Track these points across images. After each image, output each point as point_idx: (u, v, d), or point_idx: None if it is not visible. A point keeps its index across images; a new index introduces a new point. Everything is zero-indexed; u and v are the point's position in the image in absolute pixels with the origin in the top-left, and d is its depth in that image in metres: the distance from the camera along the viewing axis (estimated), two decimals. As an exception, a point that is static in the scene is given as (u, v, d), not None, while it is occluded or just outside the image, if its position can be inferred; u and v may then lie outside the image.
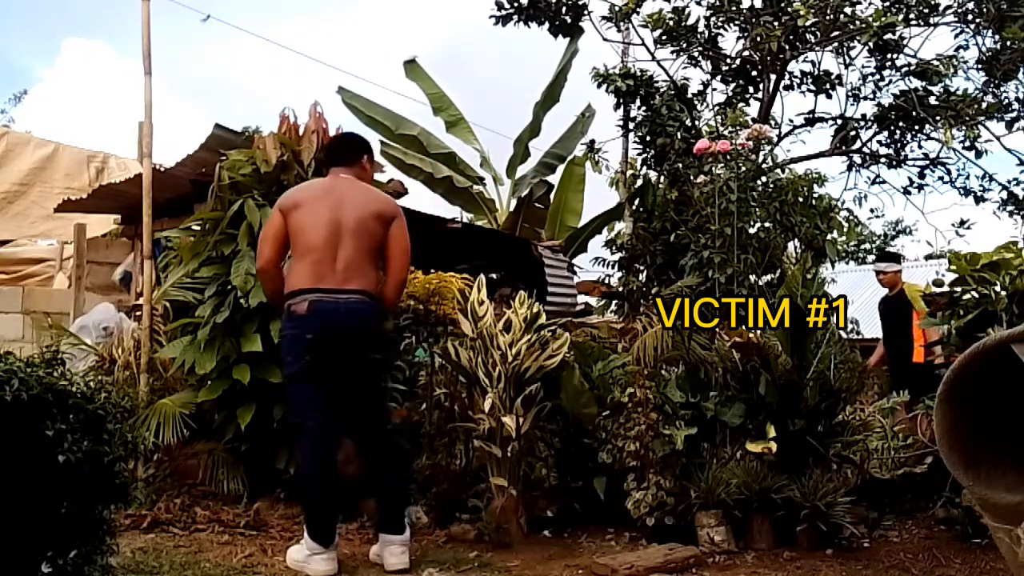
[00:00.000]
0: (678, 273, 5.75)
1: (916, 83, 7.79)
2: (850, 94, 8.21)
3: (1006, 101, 7.89)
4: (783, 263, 5.58)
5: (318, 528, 3.49)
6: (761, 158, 5.66)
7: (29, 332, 7.59)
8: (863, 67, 8.07)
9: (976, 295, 4.08)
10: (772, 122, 7.99)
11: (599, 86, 7.58)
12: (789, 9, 7.27)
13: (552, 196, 11.89)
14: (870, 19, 7.16)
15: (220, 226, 4.56)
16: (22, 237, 9.48)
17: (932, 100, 7.72)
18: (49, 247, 9.66)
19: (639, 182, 7.50)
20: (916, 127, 8.05)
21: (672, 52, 7.82)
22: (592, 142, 8.37)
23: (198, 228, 4.89)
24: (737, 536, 3.79)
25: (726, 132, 7.08)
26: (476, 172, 12.43)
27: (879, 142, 8.37)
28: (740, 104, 8.05)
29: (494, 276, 8.51)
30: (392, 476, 3.70)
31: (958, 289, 4.18)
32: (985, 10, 7.31)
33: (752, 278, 5.21)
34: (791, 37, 7.52)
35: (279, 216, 3.69)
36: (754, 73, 8.10)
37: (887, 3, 7.40)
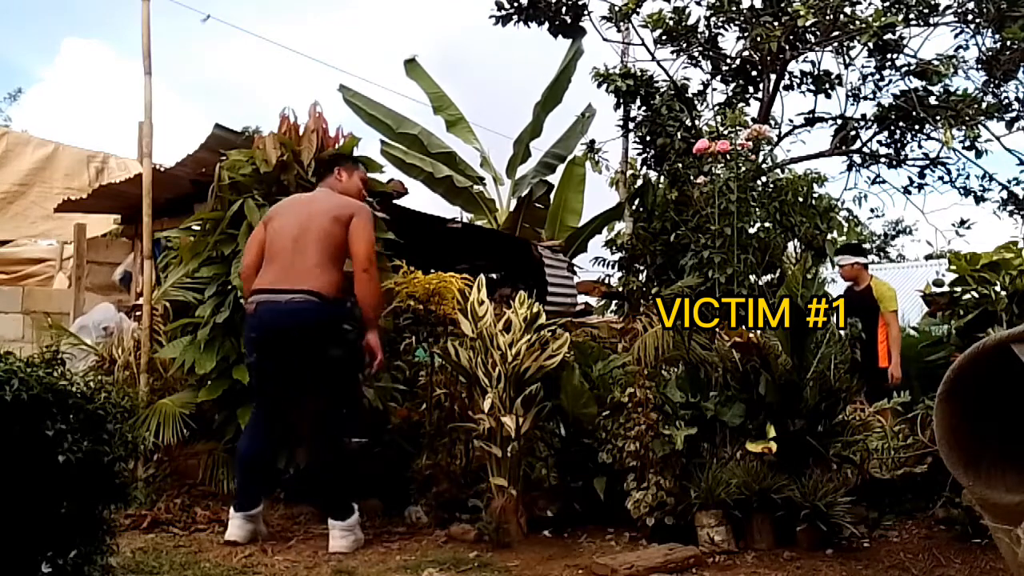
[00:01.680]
0: (678, 273, 5.75)
1: (916, 83, 7.81)
2: (850, 94, 8.23)
3: (1006, 101, 7.91)
4: (783, 263, 5.58)
5: (238, 497, 3.90)
6: (761, 158, 5.65)
7: (29, 332, 7.59)
8: (863, 67, 8.09)
9: (976, 295, 4.08)
10: (772, 122, 8.01)
11: (599, 86, 7.59)
12: (789, 9, 7.27)
13: (552, 196, 11.89)
14: (870, 19, 7.17)
15: (220, 226, 4.56)
16: (22, 237, 9.47)
17: (932, 100, 7.74)
18: (49, 247, 9.65)
19: (639, 182, 7.51)
20: (916, 127, 8.07)
21: (672, 52, 7.84)
22: (592, 142, 8.39)
23: (198, 228, 4.89)
24: (737, 536, 3.79)
25: (726, 132, 7.08)
26: (476, 172, 12.44)
27: (879, 142, 8.38)
28: (740, 104, 8.07)
29: (494, 276, 8.51)
30: (333, 467, 3.90)
31: (958, 289, 4.18)
32: (985, 10, 7.32)
33: (752, 278, 5.21)
34: (791, 37, 7.52)
35: (262, 226, 4.06)
36: (754, 73, 8.11)
37: (887, 3, 7.41)
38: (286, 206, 4.10)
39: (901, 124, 8.08)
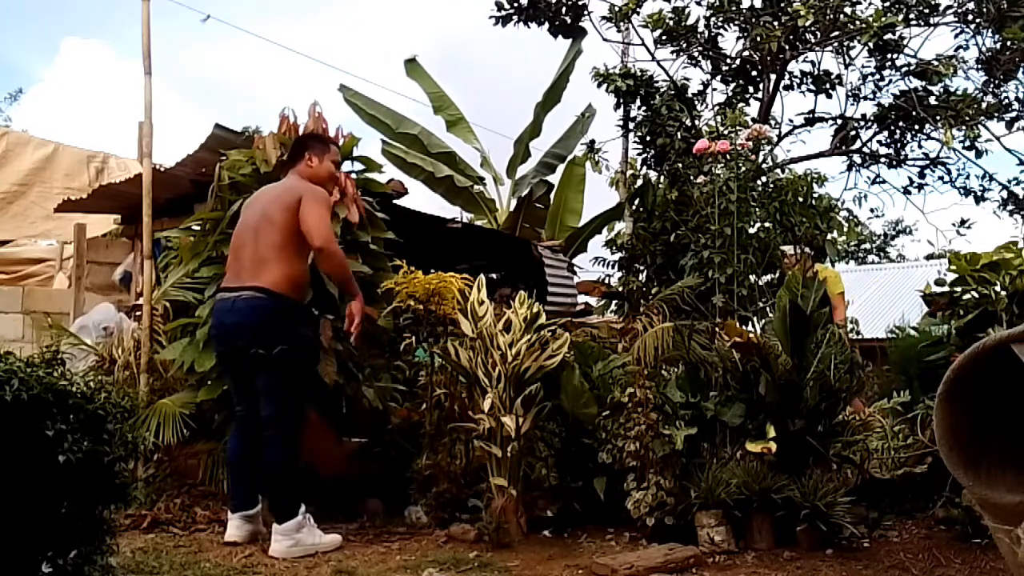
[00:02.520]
0: (678, 273, 5.75)
1: (916, 83, 7.80)
2: (850, 94, 8.22)
3: (1006, 101, 7.90)
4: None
5: (232, 498, 3.94)
6: (761, 158, 5.65)
7: (29, 332, 7.59)
8: (863, 67, 8.08)
9: (976, 295, 4.08)
10: (772, 122, 8.00)
11: (599, 86, 7.59)
12: (789, 9, 7.27)
13: (552, 196, 11.89)
14: (870, 19, 7.17)
15: (220, 226, 4.56)
16: (22, 237, 9.46)
17: (932, 100, 7.73)
18: (49, 247, 9.64)
19: (639, 182, 7.50)
20: (916, 127, 8.06)
21: (672, 52, 7.83)
22: (592, 142, 8.38)
23: (198, 228, 4.89)
24: (737, 536, 3.79)
25: (726, 132, 7.08)
26: (476, 172, 12.44)
27: (879, 142, 8.38)
28: (740, 104, 8.06)
29: (494, 276, 8.51)
30: (274, 467, 3.79)
31: (958, 289, 4.18)
32: (985, 10, 7.32)
33: (752, 278, 5.20)
34: (791, 37, 7.52)
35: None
36: (754, 73, 8.10)
37: (887, 3, 7.41)
38: (251, 199, 4.08)
39: (901, 124, 8.08)
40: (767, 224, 5.49)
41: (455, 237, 7.94)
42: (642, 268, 6.59)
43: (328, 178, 4.12)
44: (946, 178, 8.44)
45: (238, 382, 3.95)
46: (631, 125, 7.76)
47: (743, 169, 5.28)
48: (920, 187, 8.56)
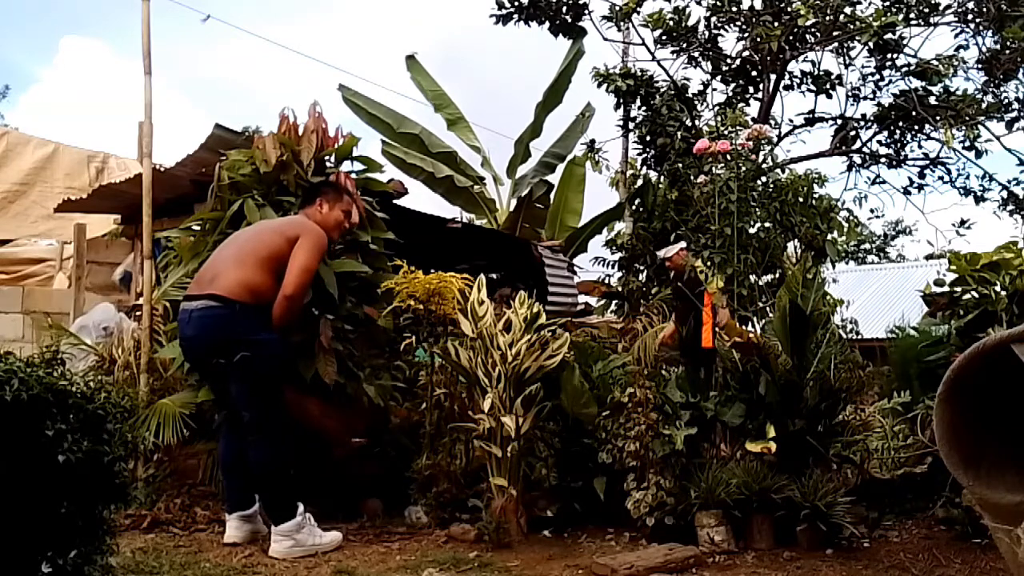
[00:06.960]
0: (678, 273, 5.74)
1: (916, 83, 7.81)
2: (850, 94, 8.23)
3: (1006, 101, 7.91)
4: (783, 263, 5.57)
5: (227, 499, 3.97)
6: (761, 158, 5.65)
7: (29, 332, 7.59)
8: (863, 67, 8.09)
9: (976, 295, 4.08)
10: (772, 122, 8.00)
11: (599, 86, 7.60)
12: (789, 9, 7.28)
13: (552, 196, 11.89)
14: (870, 19, 7.17)
15: (220, 226, 4.56)
16: (22, 237, 9.47)
17: (932, 100, 7.74)
18: (49, 247, 9.65)
19: (639, 182, 7.52)
20: (916, 127, 8.07)
21: (672, 52, 7.84)
22: (592, 142, 8.39)
23: (198, 228, 4.88)
24: (737, 536, 3.79)
25: (726, 132, 7.08)
26: (476, 172, 12.44)
27: (879, 142, 8.39)
28: (740, 104, 8.08)
29: (494, 276, 8.51)
30: (262, 471, 3.77)
31: (958, 289, 4.18)
32: (985, 10, 7.33)
33: (752, 278, 5.20)
34: (791, 37, 7.53)
35: None
36: (754, 73, 8.11)
37: (887, 3, 7.41)
38: (254, 224, 4.20)
39: (901, 124, 8.09)
40: (767, 224, 5.49)
41: (455, 237, 7.94)
42: (642, 268, 6.60)
43: (335, 227, 4.14)
44: (946, 178, 8.46)
45: (215, 388, 3.97)
46: (631, 125, 7.77)
47: (743, 169, 5.28)
48: (920, 187, 8.57)
